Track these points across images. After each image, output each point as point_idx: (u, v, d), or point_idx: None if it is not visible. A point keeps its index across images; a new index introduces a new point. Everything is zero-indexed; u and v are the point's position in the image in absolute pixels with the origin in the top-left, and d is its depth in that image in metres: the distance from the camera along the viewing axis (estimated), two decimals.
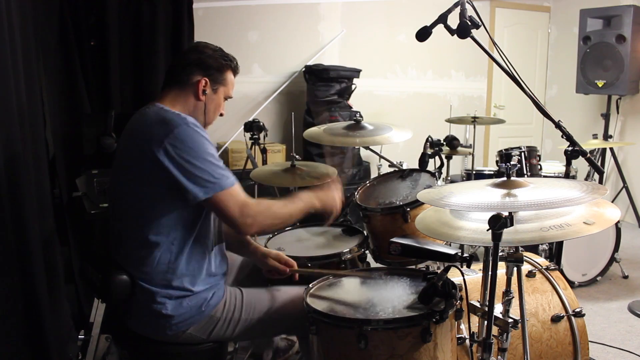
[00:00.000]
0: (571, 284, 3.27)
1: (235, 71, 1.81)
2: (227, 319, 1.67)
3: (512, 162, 1.48)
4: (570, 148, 1.94)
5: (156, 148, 1.51)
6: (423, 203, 1.78)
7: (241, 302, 1.71)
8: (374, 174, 4.86)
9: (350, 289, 1.66)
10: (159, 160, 1.51)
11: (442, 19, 1.73)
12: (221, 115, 1.80)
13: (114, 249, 1.68)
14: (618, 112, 5.05)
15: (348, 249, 2.05)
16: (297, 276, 1.90)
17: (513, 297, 1.48)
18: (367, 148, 2.80)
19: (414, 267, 2.03)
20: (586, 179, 4.55)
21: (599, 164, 3.91)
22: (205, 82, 1.70)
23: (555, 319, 1.80)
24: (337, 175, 2.03)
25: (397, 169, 2.55)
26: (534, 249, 3.06)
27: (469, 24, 1.66)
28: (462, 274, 1.51)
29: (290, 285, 1.82)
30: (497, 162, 3.77)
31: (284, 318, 1.73)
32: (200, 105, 1.71)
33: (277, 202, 1.70)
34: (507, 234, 1.36)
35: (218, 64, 1.74)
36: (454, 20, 1.71)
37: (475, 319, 1.56)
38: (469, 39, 1.69)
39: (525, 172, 3.53)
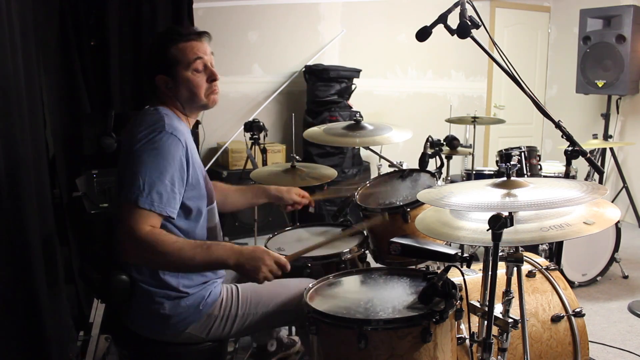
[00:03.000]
0: (571, 284, 3.27)
1: (180, 38, 1.61)
2: (225, 316, 1.67)
3: (512, 162, 1.48)
4: (570, 148, 1.94)
5: (134, 146, 1.52)
6: (423, 203, 1.78)
7: (237, 298, 1.70)
8: (374, 174, 4.86)
9: (350, 289, 1.66)
10: (128, 158, 1.51)
11: (442, 19, 1.73)
12: (214, 80, 1.65)
13: (115, 248, 1.68)
14: (618, 112, 5.05)
15: (348, 249, 2.05)
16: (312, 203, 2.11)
17: (513, 297, 1.48)
18: (367, 148, 2.80)
19: (414, 267, 2.03)
20: (586, 179, 4.55)
21: (599, 164, 3.91)
22: (160, 78, 1.63)
23: (555, 319, 1.80)
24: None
25: (397, 169, 2.55)
26: (534, 249, 3.06)
27: (469, 24, 1.66)
28: (462, 274, 1.51)
29: (285, 278, 1.82)
30: (497, 162, 3.77)
31: (281, 310, 1.72)
32: (179, 95, 1.63)
33: (178, 242, 1.48)
34: (507, 234, 1.36)
35: (158, 51, 1.62)
36: (454, 20, 1.71)
37: (475, 319, 1.56)
38: (469, 39, 1.69)
39: (525, 172, 3.53)
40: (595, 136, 3.91)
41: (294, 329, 2.45)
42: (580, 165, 3.58)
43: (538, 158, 3.65)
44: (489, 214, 1.29)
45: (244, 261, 1.52)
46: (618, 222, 3.25)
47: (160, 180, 1.48)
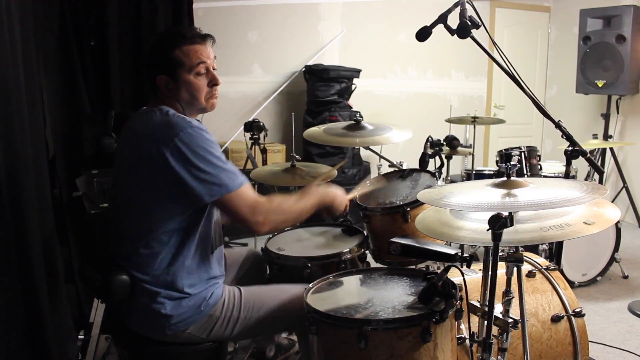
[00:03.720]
0: (571, 284, 3.26)
1: (184, 40, 1.61)
2: (226, 317, 1.67)
3: (512, 162, 1.48)
4: (570, 148, 1.94)
5: (164, 150, 1.50)
6: (423, 203, 1.77)
7: (240, 301, 1.70)
8: (374, 174, 4.86)
9: (350, 289, 1.66)
10: (167, 163, 1.50)
11: (442, 19, 1.73)
12: (215, 84, 1.67)
13: (114, 249, 1.68)
14: (618, 112, 5.05)
15: (348, 249, 2.05)
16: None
17: (513, 297, 1.47)
18: (367, 148, 2.80)
19: (414, 267, 2.03)
20: (586, 179, 4.55)
21: (599, 164, 3.91)
22: (160, 78, 1.63)
23: (555, 319, 1.80)
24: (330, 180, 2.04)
25: (397, 169, 2.55)
26: (534, 249, 3.05)
27: (469, 24, 1.66)
28: (462, 274, 1.51)
29: (288, 284, 1.83)
30: (497, 162, 3.78)
31: (282, 316, 1.72)
32: (179, 97, 1.64)
33: (288, 198, 1.69)
34: (507, 234, 1.36)
35: (161, 52, 1.63)
36: (454, 20, 1.71)
37: (475, 319, 1.56)
38: (469, 39, 1.69)
39: (525, 172, 3.53)
40: (595, 136, 3.91)
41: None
42: (580, 165, 3.58)
43: (538, 158, 3.65)
44: (489, 214, 1.29)
45: (332, 193, 1.82)
46: (618, 222, 3.25)
47: (222, 162, 1.56)
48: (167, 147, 1.50)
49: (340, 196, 1.87)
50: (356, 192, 2.12)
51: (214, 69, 1.67)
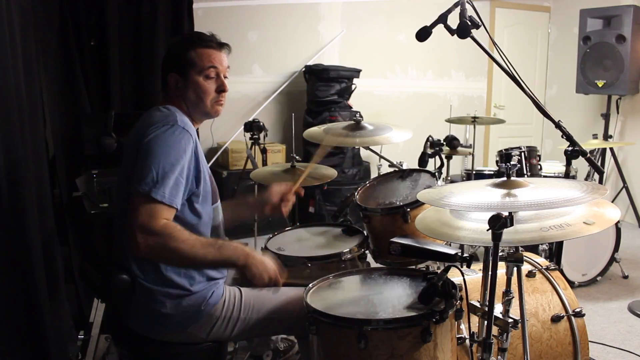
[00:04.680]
0: (571, 284, 3.26)
1: (200, 43, 1.65)
2: (226, 317, 1.67)
3: (512, 162, 1.48)
4: (570, 148, 1.94)
5: (140, 142, 1.52)
6: (423, 203, 1.78)
7: (240, 301, 1.71)
8: (374, 174, 4.86)
9: (350, 289, 1.66)
10: (139, 152, 1.51)
11: (442, 19, 1.73)
12: (223, 91, 1.68)
13: (116, 248, 1.69)
14: (618, 112, 5.05)
15: (348, 249, 2.05)
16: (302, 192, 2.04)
17: (513, 297, 1.47)
18: (367, 148, 2.79)
19: (414, 267, 2.03)
20: (586, 179, 4.55)
21: (599, 164, 3.91)
22: (172, 76, 1.66)
23: (555, 319, 1.80)
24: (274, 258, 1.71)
25: (397, 169, 2.55)
26: (534, 249, 3.06)
27: (469, 24, 1.66)
28: (462, 274, 1.51)
29: (289, 286, 1.82)
30: (497, 162, 3.77)
31: (282, 318, 1.73)
32: (186, 96, 1.66)
33: (190, 238, 1.48)
34: (507, 234, 1.36)
35: (177, 51, 1.66)
36: (454, 20, 1.71)
37: (475, 319, 1.56)
38: (469, 39, 1.69)
39: (525, 172, 3.53)
40: (595, 136, 3.91)
41: None
42: (580, 165, 3.58)
43: (538, 158, 3.65)
44: (489, 214, 1.29)
45: (252, 265, 1.55)
46: (618, 222, 3.25)
47: (172, 172, 1.48)
48: (143, 139, 1.52)
49: (262, 266, 1.58)
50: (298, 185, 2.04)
51: (225, 77, 1.69)
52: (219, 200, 1.78)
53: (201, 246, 1.49)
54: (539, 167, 3.66)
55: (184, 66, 1.64)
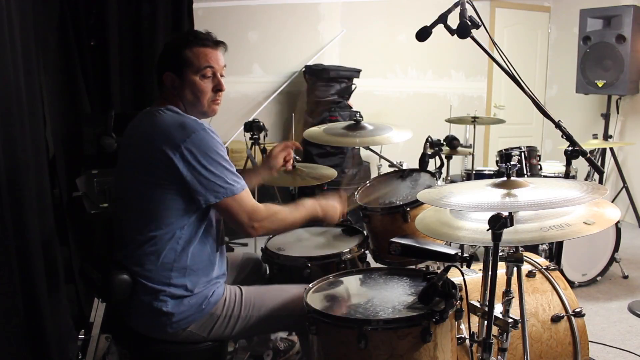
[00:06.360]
0: (571, 284, 3.26)
1: (196, 42, 1.65)
2: (227, 316, 1.67)
3: (512, 162, 1.48)
4: (570, 148, 1.94)
5: (172, 151, 1.52)
6: (423, 203, 1.78)
7: (240, 300, 1.71)
8: (374, 174, 4.86)
9: (350, 289, 1.66)
10: (174, 164, 1.52)
11: (442, 19, 1.73)
12: (220, 90, 1.69)
13: (116, 248, 1.69)
14: (618, 112, 5.05)
15: (348, 249, 2.05)
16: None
17: (513, 297, 1.47)
18: (367, 148, 2.79)
19: (414, 267, 2.03)
20: (586, 179, 4.55)
21: (599, 164, 3.91)
22: (167, 75, 1.65)
23: (555, 319, 1.80)
24: (344, 191, 2.09)
25: (397, 169, 2.55)
26: (534, 249, 3.06)
27: (469, 24, 1.66)
28: (462, 274, 1.51)
29: (289, 284, 1.83)
30: (497, 162, 3.77)
31: (283, 316, 1.73)
32: (183, 96, 1.65)
33: (283, 208, 1.74)
34: (507, 234, 1.36)
35: (173, 50, 1.66)
36: (454, 20, 1.71)
37: (475, 319, 1.56)
38: (469, 39, 1.69)
39: (525, 172, 3.53)
40: (595, 136, 3.91)
41: None
42: (580, 165, 3.58)
43: (538, 158, 3.65)
44: (489, 214, 1.29)
45: (326, 210, 1.87)
46: (618, 222, 3.25)
47: (228, 164, 1.60)
48: (177, 149, 1.52)
49: (333, 209, 1.91)
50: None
51: (221, 76, 1.69)
52: None
53: (292, 211, 1.77)
54: (539, 167, 3.65)
55: (180, 65, 1.63)
